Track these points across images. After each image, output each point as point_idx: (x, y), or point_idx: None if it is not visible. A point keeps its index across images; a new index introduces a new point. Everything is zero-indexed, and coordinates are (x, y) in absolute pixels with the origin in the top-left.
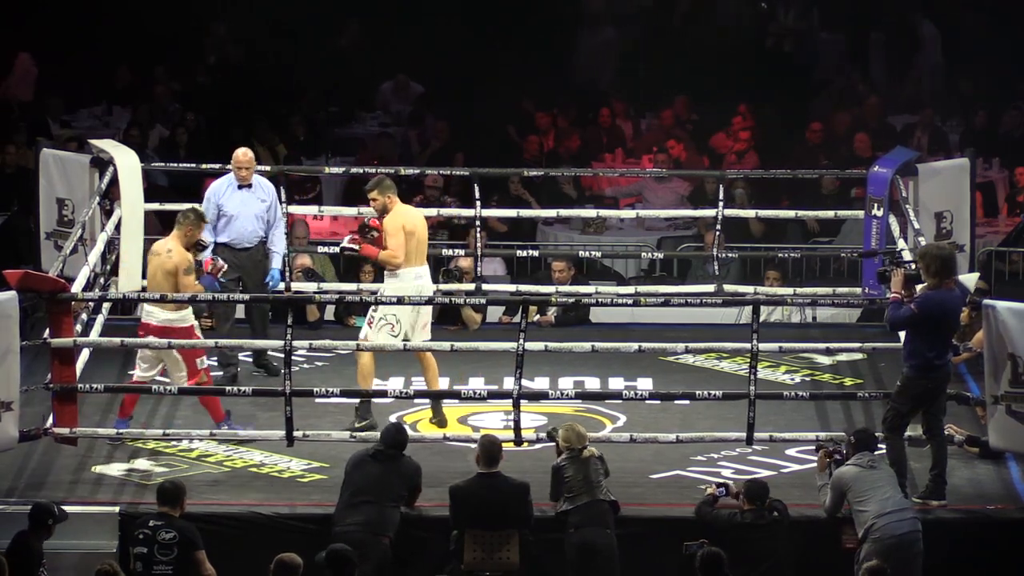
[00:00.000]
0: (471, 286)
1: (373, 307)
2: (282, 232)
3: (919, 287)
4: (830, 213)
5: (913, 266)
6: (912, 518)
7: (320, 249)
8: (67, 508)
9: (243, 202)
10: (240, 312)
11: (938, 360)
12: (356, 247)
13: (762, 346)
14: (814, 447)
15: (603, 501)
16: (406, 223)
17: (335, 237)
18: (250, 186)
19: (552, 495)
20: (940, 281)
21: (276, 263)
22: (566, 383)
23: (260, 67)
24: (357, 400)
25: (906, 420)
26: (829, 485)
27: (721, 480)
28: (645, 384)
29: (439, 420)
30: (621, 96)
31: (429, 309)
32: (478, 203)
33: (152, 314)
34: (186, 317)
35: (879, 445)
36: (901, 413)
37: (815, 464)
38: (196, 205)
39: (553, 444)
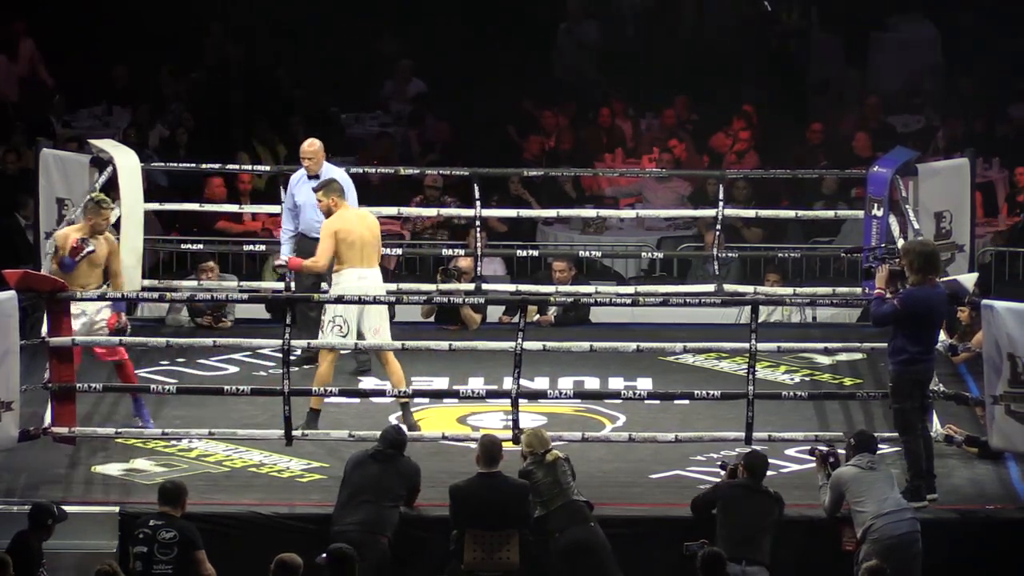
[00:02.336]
0: (471, 286)
1: (322, 311)
2: None
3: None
4: (830, 213)
5: (898, 262)
6: (911, 518)
7: None
8: (67, 508)
9: (308, 192)
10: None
11: (920, 355)
12: (284, 262)
13: (761, 346)
14: (808, 450)
15: (577, 500)
16: (340, 228)
17: None
18: (317, 176)
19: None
20: (923, 277)
21: None
22: (565, 383)
23: (260, 67)
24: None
25: (912, 417)
26: (828, 485)
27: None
28: (644, 384)
29: (409, 423)
30: (621, 96)
31: (382, 311)
32: (478, 203)
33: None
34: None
35: (879, 446)
36: (904, 411)
37: (815, 464)
38: (94, 193)
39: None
